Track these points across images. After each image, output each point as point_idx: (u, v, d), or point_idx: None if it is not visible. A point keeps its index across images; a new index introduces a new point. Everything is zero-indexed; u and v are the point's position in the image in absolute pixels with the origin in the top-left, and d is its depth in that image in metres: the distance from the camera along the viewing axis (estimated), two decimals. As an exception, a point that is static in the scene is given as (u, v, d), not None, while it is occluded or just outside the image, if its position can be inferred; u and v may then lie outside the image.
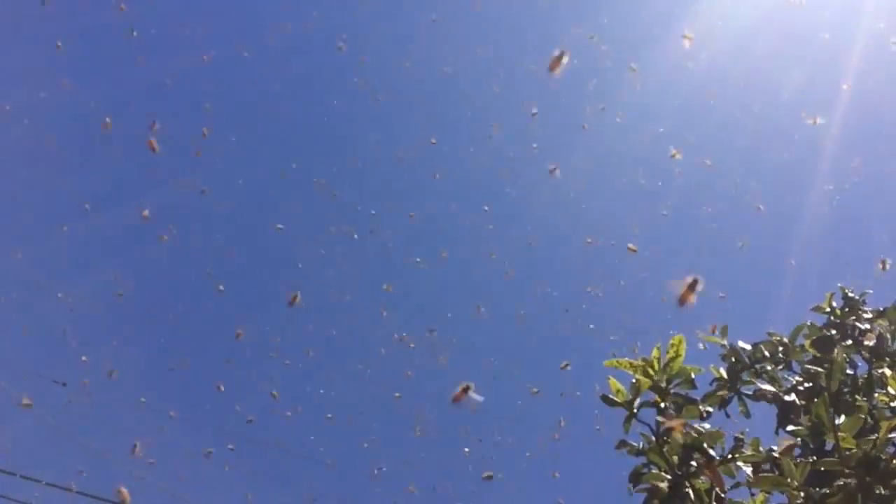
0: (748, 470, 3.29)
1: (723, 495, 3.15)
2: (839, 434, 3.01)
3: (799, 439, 3.52)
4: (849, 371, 4.01)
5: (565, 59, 5.09)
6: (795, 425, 3.54)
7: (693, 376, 3.25)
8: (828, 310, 4.53)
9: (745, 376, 4.23)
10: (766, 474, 3.17)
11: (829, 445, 3.35)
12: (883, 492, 2.85)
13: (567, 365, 11.15)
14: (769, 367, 4.24)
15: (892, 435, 3.00)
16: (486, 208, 17.45)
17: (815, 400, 3.40)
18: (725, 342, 4.38)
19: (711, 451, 3.20)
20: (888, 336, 4.00)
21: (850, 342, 4.17)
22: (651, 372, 3.24)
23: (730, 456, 3.31)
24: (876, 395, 3.70)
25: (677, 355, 3.24)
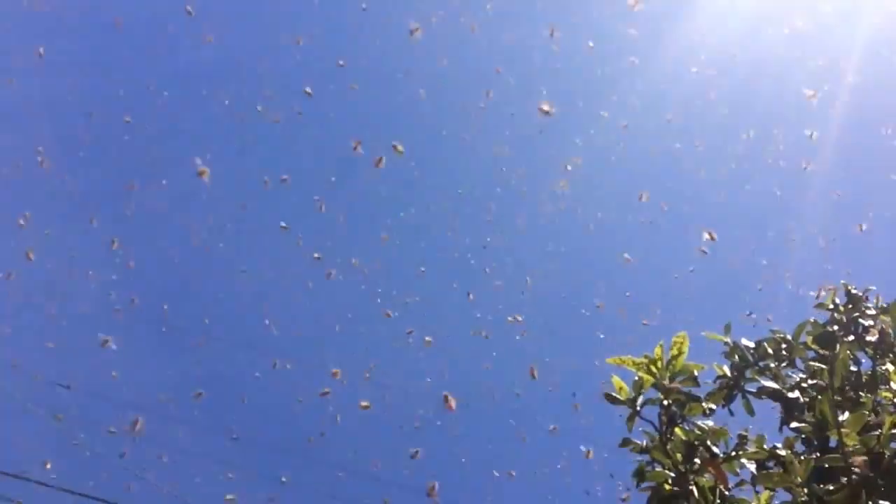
0: (752, 467, 3.28)
1: (727, 493, 3.14)
2: (843, 430, 3.01)
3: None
4: (853, 368, 4.01)
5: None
6: (799, 422, 3.53)
7: (696, 374, 3.25)
8: (831, 306, 4.51)
9: (749, 374, 4.22)
10: (769, 471, 3.17)
11: (833, 442, 3.34)
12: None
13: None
14: (773, 365, 4.23)
15: (896, 431, 2.99)
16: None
17: (819, 397, 3.40)
18: (729, 340, 4.38)
19: (715, 449, 3.20)
20: (891, 332, 3.99)
21: (853, 338, 4.16)
22: (654, 369, 3.24)
23: (734, 453, 3.30)
24: (880, 391, 3.69)
25: (680, 353, 3.24)
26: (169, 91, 18.07)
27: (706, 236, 11.10)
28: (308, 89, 13.86)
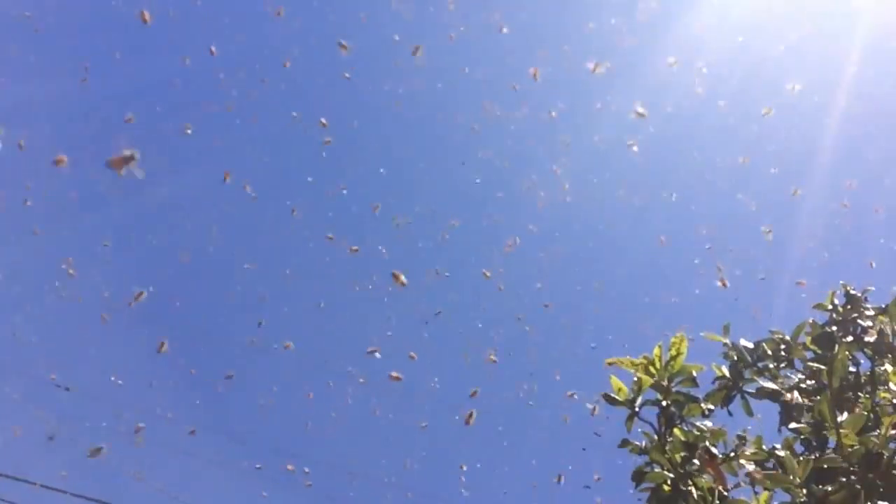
0: (751, 468, 3.28)
1: (725, 493, 3.14)
2: (841, 431, 3.01)
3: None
4: (851, 368, 4.00)
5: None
6: (798, 423, 3.53)
7: (695, 374, 3.25)
8: (830, 307, 4.51)
9: (748, 374, 4.22)
10: (768, 472, 3.16)
11: (831, 443, 3.34)
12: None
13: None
14: (771, 366, 4.22)
15: (895, 431, 3.00)
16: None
17: (818, 397, 3.40)
18: (727, 340, 4.37)
19: (714, 450, 3.20)
20: (889, 332, 3.99)
21: (851, 339, 4.16)
22: (653, 370, 3.24)
23: (732, 454, 3.30)
24: (879, 391, 3.70)
25: (679, 353, 3.24)
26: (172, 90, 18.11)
27: (718, 283, 11.45)
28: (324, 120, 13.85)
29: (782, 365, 4.22)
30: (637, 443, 3.39)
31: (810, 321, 4.40)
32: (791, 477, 2.97)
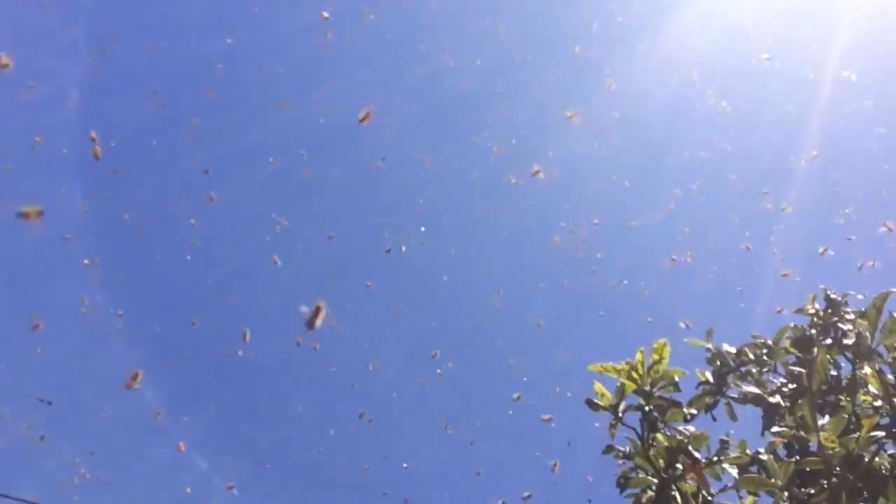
0: (734, 472, 3.30)
1: (709, 497, 3.15)
2: (822, 434, 3.04)
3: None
4: (833, 372, 4.03)
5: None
6: (780, 426, 3.55)
7: (677, 379, 3.26)
8: (811, 311, 4.55)
9: (731, 379, 4.25)
10: (750, 475, 3.18)
11: (813, 446, 3.37)
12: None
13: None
14: (754, 370, 4.25)
15: (874, 433, 3.03)
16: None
17: (799, 401, 3.43)
18: (711, 346, 4.41)
19: (697, 454, 3.21)
20: (867, 335, 4.03)
21: (830, 342, 4.19)
22: (635, 375, 3.24)
23: (715, 458, 3.32)
24: (859, 394, 3.72)
25: (661, 359, 3.25)
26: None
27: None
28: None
29: (765, 369, 4.25)
30: (621, 448, 3.40)
31: (792, 325, 4.44)
32: (773, 480, 2.99)
